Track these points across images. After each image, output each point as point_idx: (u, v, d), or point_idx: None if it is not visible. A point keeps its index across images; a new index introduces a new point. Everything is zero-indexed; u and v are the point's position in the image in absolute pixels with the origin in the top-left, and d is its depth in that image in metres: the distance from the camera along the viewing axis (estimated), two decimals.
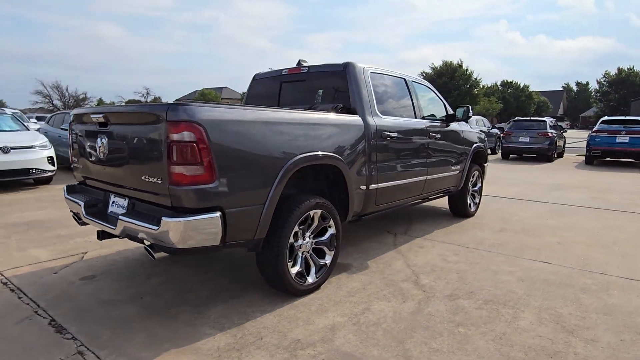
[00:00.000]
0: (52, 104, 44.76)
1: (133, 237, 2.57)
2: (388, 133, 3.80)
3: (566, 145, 17.88)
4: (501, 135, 16.20)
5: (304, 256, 3.11)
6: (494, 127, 18.70)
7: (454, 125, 5.11)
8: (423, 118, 4.54)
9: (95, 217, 2.88)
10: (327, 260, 3.28)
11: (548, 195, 7.56)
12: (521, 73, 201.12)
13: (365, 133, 3.56)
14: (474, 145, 5.52)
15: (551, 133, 14.40)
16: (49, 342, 2.41)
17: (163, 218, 2.31)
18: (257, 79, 4.53)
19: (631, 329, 2.67)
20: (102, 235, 2.99)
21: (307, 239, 3.12)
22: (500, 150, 16.01)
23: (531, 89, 55.42)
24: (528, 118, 15.89)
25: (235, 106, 2.62)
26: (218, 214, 2.42)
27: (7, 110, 8.43)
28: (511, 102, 51.65)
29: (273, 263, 2.84)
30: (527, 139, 14.56)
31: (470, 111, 4.95)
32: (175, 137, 2.28)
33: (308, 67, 4.02)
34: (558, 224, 5.42)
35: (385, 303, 3.00)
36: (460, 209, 5.63)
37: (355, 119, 3.50)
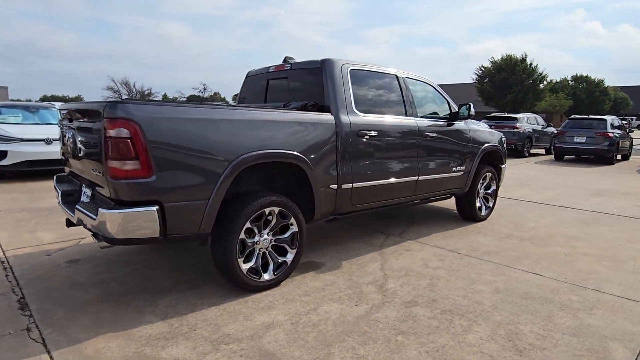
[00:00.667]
0: (121, 98, 48.44)
1: (85, 226, 2.74)
2: (366, 132, 3.70)
3: (634, 147, 16.21)
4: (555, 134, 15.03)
5: (261, 253, 3.14)
6: (549, 125, 17.38)
7: (459, 124, 4.85)
8: (418, 116, 4.36)
9: (66, 205, 3.11)
10: (289, 258, 3.28)
11: (585, 202, 6.92)
12: (600, 67, 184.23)
13: (338, 131, 3.50)
14: (485, 145, 5.20)
15: (612, 133, 13.12)
16: (8, 317, 2.66)
17: (99, 209, 2.46)
18: (250, 76, 4.60)
19: (593, 355, 2.40)
20: (68, 222, 3.22)
21: (265, 236, 3.14)
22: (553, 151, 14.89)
23: (608, 83, 50.58)
24: (586, 116, 14.56)
25: (175, 104, 2.70)
26: (155, 207, 2.52)
27: (56, 104, 9.29)
28: (583, 98, 47.52)
29: (222, 258, 2.90)
30: (583, 139, 13.40)
31: (472, 109, 4.66)
32: (111, 133, 2.40)
33: (291, 64, 4.02)
34: (578, 233, 4.96)
35: (336, 305, 2.95)
36: (468, 212, 5.34)
37: (323, 116, 3.44)
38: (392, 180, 4.02)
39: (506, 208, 6.24)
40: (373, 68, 4.05)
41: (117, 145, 2.41)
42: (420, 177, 4.34)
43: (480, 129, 5.24)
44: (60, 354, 2.29)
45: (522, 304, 3.02)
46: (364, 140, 3.70)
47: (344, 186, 3.60)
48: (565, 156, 14.45)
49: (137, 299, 2.96)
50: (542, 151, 16.88)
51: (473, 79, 37.85)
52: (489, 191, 5.58)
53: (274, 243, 3.21)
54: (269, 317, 2.75)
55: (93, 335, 2.47)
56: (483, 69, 36.79)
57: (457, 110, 4.75)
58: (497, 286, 3.34)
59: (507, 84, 33.88)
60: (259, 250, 3.13)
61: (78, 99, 56.14)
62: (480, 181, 5.30)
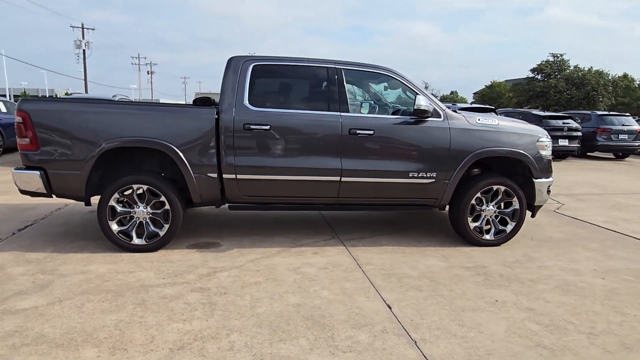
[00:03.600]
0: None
1: None
2: (254, 126, 3.79)
3: None
4: None
5: (138, 221, 3.84)
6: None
7: (433, 122, 4.07)
8: (349, 111, 3.98)
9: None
10: (162, 231, 3.85)
11: (598, 210, 4.25)
12: None
13: (220, 124, 3.77)
14: (482, 150, 4.11)
15: None
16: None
17: (12, 169, 3.74)
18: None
19: None
20: None
21: (142, 208, 3.82)
22: None
23: None
24: None
25: (58, 100, 3.69)
26: (39, 172, 3.63)
27: None
28: None
29: (98, 219, 3.77)
30: None
31: (426, 102, 3.84)
32: (16, 119, 3.63)
33: None
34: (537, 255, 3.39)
35: (151, 273, 3.37)
36: (460, 232, 4.34)
37: (201, 111, 3.79)
38: (294, 177, 3.91)
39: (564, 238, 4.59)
40: (292, 62, 4.00)
41: (19, 127, 3.62)
42: (346, 179, 3.97)
43: (475, 128, 4.15)
44: None
45: (286, 322, 2.67)
46: (252, 133, 3.80)
47: (227, 176, 3.84)
48: None
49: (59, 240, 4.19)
50: None
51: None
52: (508, 210, 4.33)
53: (150, 215, 3.84)
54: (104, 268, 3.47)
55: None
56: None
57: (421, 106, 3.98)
58: (290, 302, 2.96)
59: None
60: (137, 219, 3.83)
61: None
62: (479, 196, 4.21)
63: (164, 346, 2.38)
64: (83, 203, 3.89)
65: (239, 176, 3.85)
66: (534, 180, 4.30)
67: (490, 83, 57.54)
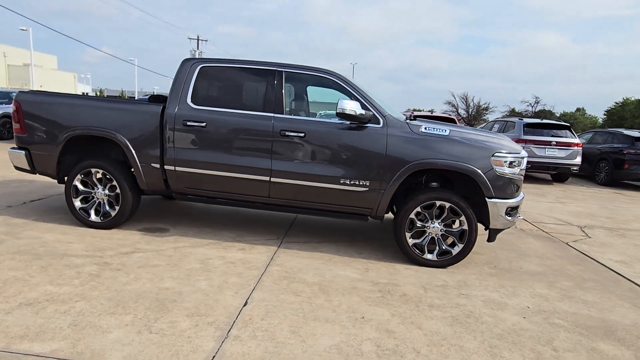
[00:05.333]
0: (458, 113, 50.59)
1: None
2: (192, 122, 4.07)
3: None
4: None
5: (97, 202, 4.38)
6: None
7: (374, 128, 3.92)
8: (284, 113, 4.03)
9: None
10: (114, 212, 4.34)
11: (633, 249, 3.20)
12: None
13: (164, 120, 4.13)
14: (420, 161, 3.81)
15: None
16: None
17: (8, 149, 4.56)
18: None
19: None
20: None
21: (100, 190, 4.35)
22: None
23: None
24: None
25: (48, 93, 4.39)
26: (24, 152, 4.38)
27: None
28: None
29: (65, 196, 4.39)
30: None
31: (353, 107, 3.69)
32: (12, 107, 4.44)
33: None
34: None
35: (83, 246, 3.84)
36: (400, 248, 4.05)
37: (149, 107, 4.18)
38: (224, 173, 4.07)
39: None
40: (237, 65, 4.20)
41: (13, 114, 4.43)
42: (275, 179, 4.02)
43: (416, 137, 3.85)
44: None
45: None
46: (190, 129, 4.08)
47: (167, 167, 4.18)
48: None
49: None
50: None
51: None
52: (455, 230, 3.93)
53: (106, 198, 4.36)
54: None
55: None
56: None
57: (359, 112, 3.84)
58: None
59: None
60: (96, 199, 4.38)
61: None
62: (420, 210, 3.90)
63: (18, 301, 2.76)
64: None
65: (177, 168, 4.16)
66: (487, 199, 3.83)
67: (622, 100, 50.09)
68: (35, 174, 4.56)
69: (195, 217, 5.14)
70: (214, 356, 2.32)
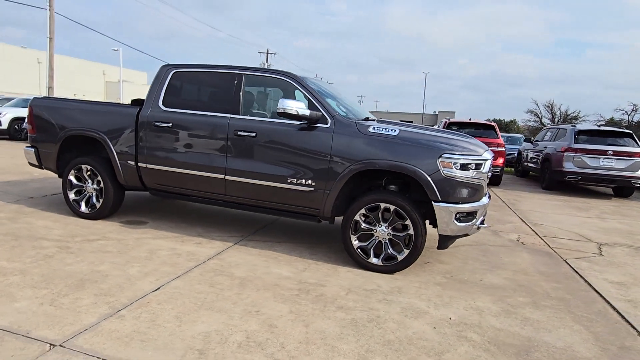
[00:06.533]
0: (541, 122, 46.68)
1: None
2: (160, 123, 4.40)
3: None
4: None
5: (91, 195, 4.90)
6: None
7: (319, 129, 3.94)
8: (240, 114, 4.19)
9: None
10: (98, 204, 4.81)
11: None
12: None
13: (138, 120, 4.53)
14: (358, 162, 3.73)
15: None
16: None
17: (24, 147, 5.27)
18: None
19: None
20: None
21: (90, 184, 4.87)
22: None
23: None
24: None
25: (54, 99, 5.00)
26: (33, 150, 5.06)
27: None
28: None
29: (62, 188, 4.97)
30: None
31: (296, 106, 3.72)
32: (27, 111, 5.15)
33: None
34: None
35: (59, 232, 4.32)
36: (346, 250, 3.96)
37: (128, 109, 4.60)
38: (186, 170, 4.33)
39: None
40: (205, 69, 4.46)
41: (29, 117, 5.13)
42: (230, 177, 4.19)
43: (363, 137, 3.76)
44: None
45: None
46: (158, 129, 4.42)
47: (140, 165, 4.56)
48: None
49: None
50: None
51: None
52: (401, 235, 3.77)
53: (94, 192, 4.85)
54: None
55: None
56: None
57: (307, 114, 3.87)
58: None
59: None
60: (87, 192, 4.90)
61: (511, 122, 59.04)
62: (365, 213, 3.80)
63: None
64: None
65: (148, 165, 4.52)
66: (433, 203, 3.62)
67: None
68: (42, 169, 5.23)
69: (180, 214, 5.48)
70: (86, 329, 2.52)
